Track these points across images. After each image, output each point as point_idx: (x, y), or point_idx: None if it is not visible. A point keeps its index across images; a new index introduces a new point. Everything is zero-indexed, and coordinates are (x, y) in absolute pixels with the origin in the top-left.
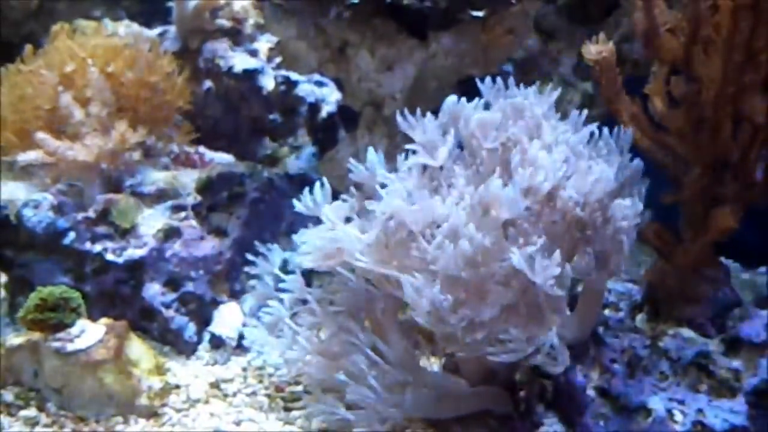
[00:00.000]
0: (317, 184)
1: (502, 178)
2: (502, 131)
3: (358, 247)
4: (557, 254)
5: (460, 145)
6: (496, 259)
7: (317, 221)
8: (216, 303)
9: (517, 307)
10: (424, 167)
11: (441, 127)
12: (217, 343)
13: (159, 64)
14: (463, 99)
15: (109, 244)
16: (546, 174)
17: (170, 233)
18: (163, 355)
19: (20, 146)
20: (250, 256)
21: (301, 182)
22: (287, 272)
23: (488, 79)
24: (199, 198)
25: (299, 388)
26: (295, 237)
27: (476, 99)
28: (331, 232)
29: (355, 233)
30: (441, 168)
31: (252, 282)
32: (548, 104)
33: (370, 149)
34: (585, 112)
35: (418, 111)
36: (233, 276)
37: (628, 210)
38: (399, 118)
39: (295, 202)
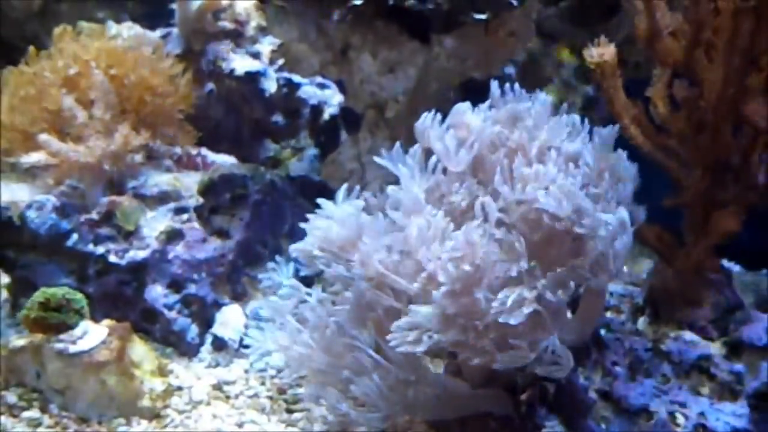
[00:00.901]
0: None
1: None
2: (501, 138)
3: (374, 246)
4: (527, 294)
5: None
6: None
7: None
8: (218, 305)
9: None
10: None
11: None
12: (219, 345)
13: (162, 66)
14: (470, 106)
15: (112, 246)
16: (532, 188)
17: (173, 235)
18: (165, 356)
19: (24, 148)
20: (261, 276)
21: (303, 184)
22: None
23: (495, 83)
24: (201, 200)
25: (301, 390)
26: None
27: (479, 104)
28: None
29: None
30: (445, 171)
31: (265, 284)
32: (548, 110)
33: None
34: (566, 116)
35: (438, 117)
36: (235, 278)
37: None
38: (419, 123)
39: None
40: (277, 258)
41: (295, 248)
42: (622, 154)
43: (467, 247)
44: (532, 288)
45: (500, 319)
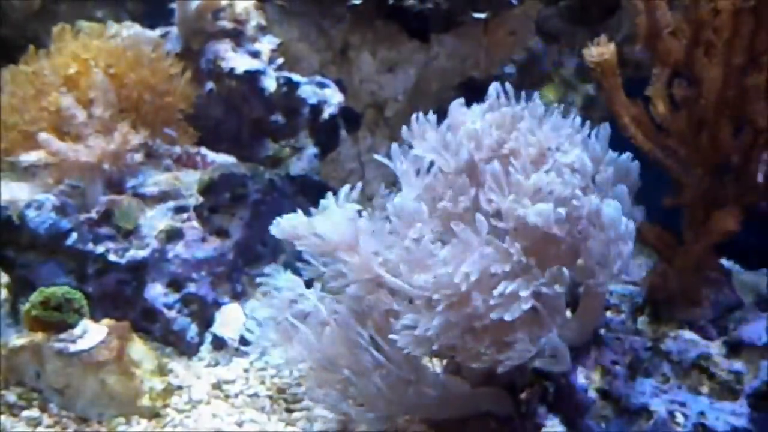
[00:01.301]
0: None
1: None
2: (495, 141)
3: (373, 247)
4: (522, 289)
5: None
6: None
7: None
8: (218, 304)
9: None
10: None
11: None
12: (219, 344)
13: (161, 65)
14: (464, 107)
15: (112, 245)
16: (522, 205)
17: (172, 234)
18: (165, 356)
19: (23, 147)
20: (258, 279)
21: (303, 183)
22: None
23: (494, 85)
24: (201, 199)
25: (301, 389)
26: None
27: (477, 105)
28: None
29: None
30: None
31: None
32: (545, 112)
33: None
34: (564, 117)
35: (432, 118)
36: (235, 277)
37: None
38: (409, 125)
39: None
40: (273, 265)
41: (278, 223)
42: (623, 153)
43: (457, 273)
44: (528, 284)
45: (494, 315)
